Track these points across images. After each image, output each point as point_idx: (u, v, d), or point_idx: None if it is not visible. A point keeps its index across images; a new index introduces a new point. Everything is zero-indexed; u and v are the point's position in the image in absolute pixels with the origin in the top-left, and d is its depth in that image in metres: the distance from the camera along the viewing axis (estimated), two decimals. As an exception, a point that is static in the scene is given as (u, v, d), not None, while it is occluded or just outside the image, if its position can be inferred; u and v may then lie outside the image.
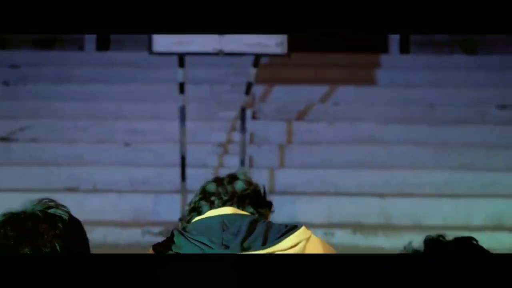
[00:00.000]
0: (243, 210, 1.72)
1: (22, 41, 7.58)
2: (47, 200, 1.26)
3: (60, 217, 1.22)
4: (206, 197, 1.78)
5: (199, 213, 1.78)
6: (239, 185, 1.75)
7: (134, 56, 7.12)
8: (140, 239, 5.40)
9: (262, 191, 1.82)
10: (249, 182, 1.74)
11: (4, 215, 1.20)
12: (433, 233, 1.39)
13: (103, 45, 7.49)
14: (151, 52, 4.61)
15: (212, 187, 1.76)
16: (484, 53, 7.29)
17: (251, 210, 1.78)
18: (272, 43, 4.57)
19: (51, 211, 1.23)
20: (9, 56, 7.07)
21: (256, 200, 1.80)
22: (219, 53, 4.59)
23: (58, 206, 1.25)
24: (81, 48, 7.42)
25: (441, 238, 1.36)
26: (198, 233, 1.49)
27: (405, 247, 1.37)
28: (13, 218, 1.20)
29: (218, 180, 1.76)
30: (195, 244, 1.45)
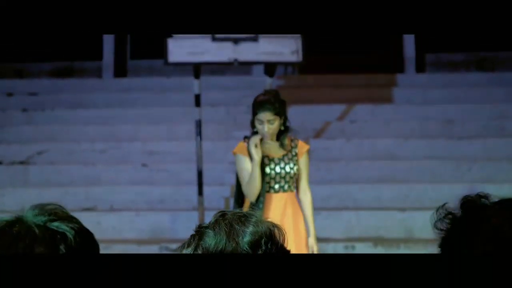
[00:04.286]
0: None
1: (41, 71, 7.68)
2: (53, 206, 0.99)
3: (64, 235, 0.96)
4: None
5: None
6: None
7: (150, 81, 7.18)
8: (157, 256, 5.33)
9: None
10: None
11: None
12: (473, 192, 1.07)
13: (120, 72, 7.57)
14: (166, 63, 4.63)
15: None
16: (501, 70, 7.25)
17: None
18: (287, 51, 4.57)
19: (53, 225, 0.97)
20: (27, 85, 7.16)
21: None
22: (234, 63, 4.59)
23: (64, 217, 0.98)
24: (98, 76, 7.50)
25: (483, 200, 1.06)
26: None
27: (437, 210, 1.09)
28: (4, 233, 0.95)
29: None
30: None
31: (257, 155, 3.47)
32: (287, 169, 3.55)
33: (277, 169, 3.54)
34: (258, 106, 3.44)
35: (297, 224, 3.67)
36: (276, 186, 3.56)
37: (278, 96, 3.50)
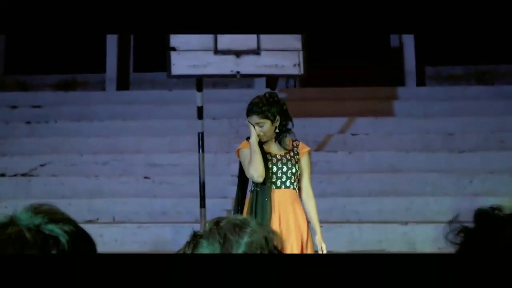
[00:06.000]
0: None
1: (44, 84, 7.73)
2: (48, 207, 0.97)
3: (56, 239, 0.94)
4: None
5: None
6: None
7: (153, 94, 7.21)
8: (159, 268, 5.33)
9: None
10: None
11: None
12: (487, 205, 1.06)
13: (123, 85, 7.61)
14: (169, 75, 4.66)
15: None
16: (501, 83, 7.29)
17: None
18: (288, 64, 4.61)
19: (47, 228, 0.95)
20: (31, 97, 7.20)
21: None
22: (236, 75, 4.63)
23: (59, 220, 0.95)
24: (101, 88, 7.54)
25: (496, 212, 1.06)
26: None
27: (450, 222, 1.10)
28: None
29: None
30: None
31: (255, 131, 3.55)
32: (289, 165, 3.62)
33: (279, 164, 3.61)
34: (247, 109, 3.60)
35: (298, 222, 3.70)
36: (278, 182, 3.61)
37: (271, 99, 3.58)
